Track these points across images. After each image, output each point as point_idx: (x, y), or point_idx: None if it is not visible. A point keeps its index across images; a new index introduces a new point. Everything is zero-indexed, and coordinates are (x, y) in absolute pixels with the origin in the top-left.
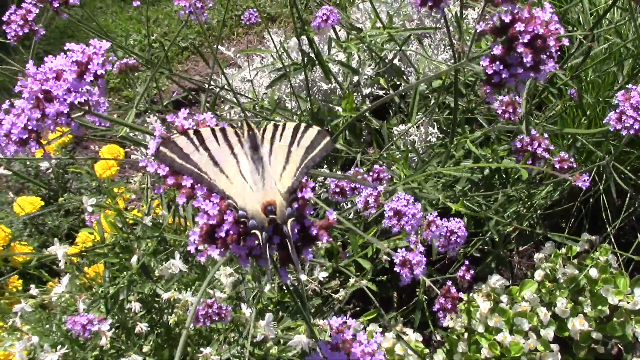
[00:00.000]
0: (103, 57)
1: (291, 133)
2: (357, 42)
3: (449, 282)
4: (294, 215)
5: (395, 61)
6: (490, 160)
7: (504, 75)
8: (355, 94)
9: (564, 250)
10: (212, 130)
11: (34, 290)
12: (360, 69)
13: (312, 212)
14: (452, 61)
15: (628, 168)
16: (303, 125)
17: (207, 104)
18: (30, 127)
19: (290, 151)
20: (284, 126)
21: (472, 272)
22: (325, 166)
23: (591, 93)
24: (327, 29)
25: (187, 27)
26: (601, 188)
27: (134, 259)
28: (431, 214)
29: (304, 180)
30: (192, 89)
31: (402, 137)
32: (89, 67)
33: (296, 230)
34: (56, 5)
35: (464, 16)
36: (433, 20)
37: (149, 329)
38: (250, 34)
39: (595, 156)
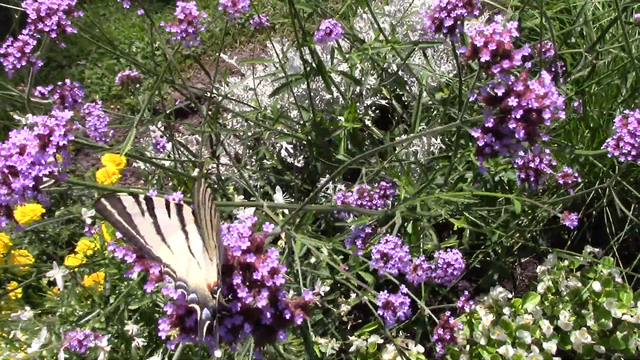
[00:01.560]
0: (65, 127)
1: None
2: (360, 55)
3: (448, 313)
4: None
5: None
6: (492, 172)
7: (496, 147)
8: (358, 104)
9: (566, 262)
10: (167, 202)
11: (28, 311)
12: (362, 80)
13: (284, 295)
14: (455, 72)
15: (631, 180)
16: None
17: (209, 113)
18: None
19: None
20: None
21: (471, 302)
22: (327, 175)
23: (594, 106)
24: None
25: None
26: (604, 201)
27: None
28: (418, 257)
29: (275, 266)
30: (195, 96)
31: (404, 147)
32: (51, 139)
33: (269, 314)
34: (54, 35)
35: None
36: None
37: (145, 343)
38: (252, 42)
39: (598, 169)
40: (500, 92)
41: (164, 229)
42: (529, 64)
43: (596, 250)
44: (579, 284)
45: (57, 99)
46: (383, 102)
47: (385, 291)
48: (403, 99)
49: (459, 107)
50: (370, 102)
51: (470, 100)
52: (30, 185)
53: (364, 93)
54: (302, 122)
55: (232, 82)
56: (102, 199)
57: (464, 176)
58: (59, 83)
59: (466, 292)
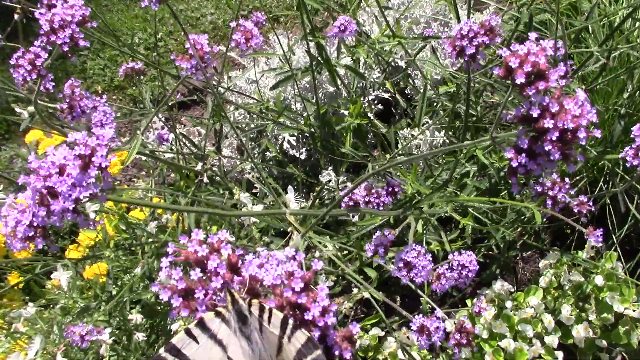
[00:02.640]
0: (107, 147)
1: (279, 324)
2: (366, 49)
3: (464, 317)
4: None
5: (402, 64)
6: (496, 166)
7: (530, 167)
8: (362, 98)
9: (569, 257)
10: (188, 331)
11: (30, 307)
12: (366, 74)
13: (335, 334)
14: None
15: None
16: (291, 322)
17: (213, 106)
18: (35, 224)
19: (281, 343)
20: (270, 311)
21: (488, 306)
22: (330, 168)
23: (600, 101)
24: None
25: (193, 26)
26: (607, 196)
27: (138, 269)
28: (442, 266)
29: (326, 305)
30: (196, 88)
31: (408, 141)
32: (93, 159)
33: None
34: (66, 49)
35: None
36: (440, 23)
37: (146, 338)
38: None
39: (602, 164)
40: (535, 113)
41: None
42: (563, 82)
43: (599, 244)
44: (582, 279)
45: (65, 108)
46: (386, 95)
47: (421, 315)
48: (406, 92)
49: (466, 104)
50: (374, 95)
51: (503, 120)
52: (70, 208)
53: (367, 87)
54: (305, 114)
55: (235, 75)
56: None
57: (468, 173)
58: (68, 82)
59: (482, 297)
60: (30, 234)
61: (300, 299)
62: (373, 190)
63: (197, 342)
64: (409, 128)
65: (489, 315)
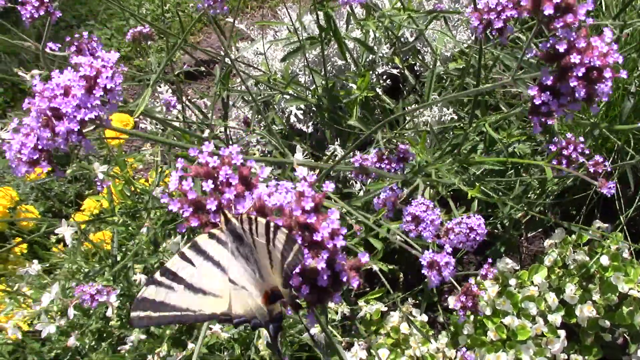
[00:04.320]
0: (112, 69)
1: (264, 231)
2: (376, 22)
3: (471, 280)
4: (298, 307)
5: (411, 39)
6: (505, 142)
7: (552, 107)
8: (370, 72)
9: (574, 237)
10: (182, 254)
11: (36, 265)
12: (376, 48)
13: (343, 258)
14: (472, 42)
15: None
16: (272, 224)
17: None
18: (40, 147)
19: (269, 251)
20: (256, 220)
21: (494, 269)
22: (337, 142)
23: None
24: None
25: None
26: (615, 177)
27: (144, 229)
28: (451, 221)
29: (336, 227)
30: (203, 60)
31: (415, 117)
32: (98, 81)
33: (325, 277)
34: None
35: None
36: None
37: None
38: (264, 8)
39: (612, 143)
40: (562, 48)
41: (198, 283)
42: (590, 20)
43: (605, 225)
44: (587, 258)
45: (73, 51)
46: (395, 71)
47: (430, 251)
48: (415, 68)
49: (477, 76)
50: (382, 70)
51: (528, 56)
52: (75, 130)
53: (376, 61)
54: (313, 87)
55: (242, 47)
56: (132, 314)
57: (476, 147)
58: (76, 35)
59: (489, 260)
60: (34, 157)
61: (310, 218)
62: (384, 157)
63: (194, 265)
64: (416, 105)
65: (493, 293)
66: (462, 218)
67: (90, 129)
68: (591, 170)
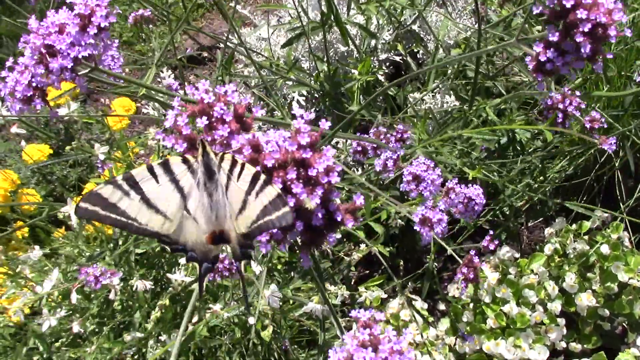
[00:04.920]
0: (106, 9)
1: (250, 179)
2: (377, 5)
3: (472, 252)
4: (247, 258)
5: (414, 27)
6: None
7: (557, 64)
8: (372, 58)
9: (574, 226)
10: (150, 168)
11: (37, 250)
12: (378, 34)
13: (337, 196)
14: (476, 27)
15: None
16: (263, 177)
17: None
18: (34, 84)
19: (247, 199)
20: (242, 165)
21: (496, 241)
22: (340, 131)
23: (612, 67)
24: None
25: None
26: (617, 165)
27: None
28: (451, 180)
29: (331, 164)
30: (206, 47)
31: (417, 104)
32: (92, 19)
33: (320, 215)
34: None
35: None
36: None
37: (153, 287)
38: None
39: (615, 129)
40: (568, 4)
41: (154, 199)
42: None
43: (605, 215)
44: (587, 247)
45: None
46: (397, 58)
47: (424, 207)
48: (418, 56)
49: (476, 62)
50: (385, 57)
51: (534, 13)
52: (69, 66)
53: (379, 47)
54: (315, 73)
55: (245, 32)
56: (81, 203)
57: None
58: None
59: (491, 232)
60: (29, 94)
61: (306, 153)
62: (382, 136)
63: (157, 182)
64: (418, 92)
65: (493, 280)
66: (460, 187)
67: (85, 71)
68: (587, 126)
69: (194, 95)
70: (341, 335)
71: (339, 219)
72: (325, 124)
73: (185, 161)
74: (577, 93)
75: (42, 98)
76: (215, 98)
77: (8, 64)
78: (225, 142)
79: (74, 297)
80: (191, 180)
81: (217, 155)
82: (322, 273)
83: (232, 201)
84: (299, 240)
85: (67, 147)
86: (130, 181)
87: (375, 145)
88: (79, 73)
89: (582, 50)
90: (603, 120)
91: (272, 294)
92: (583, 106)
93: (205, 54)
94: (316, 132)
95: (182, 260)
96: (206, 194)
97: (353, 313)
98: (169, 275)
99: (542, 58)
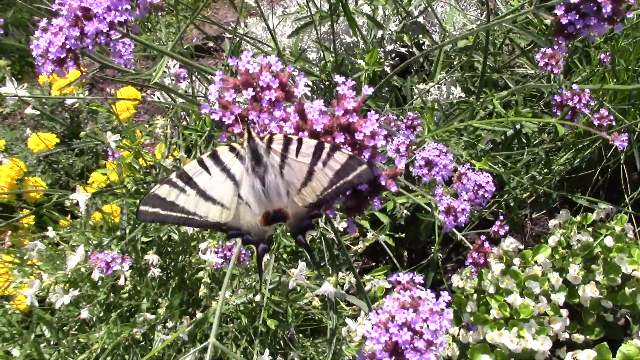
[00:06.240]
0: None
1: (312, 152)
2: None
3: (483, 237)
4: (311, 228)
5: (420, 19)
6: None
7: (578, 26)
8: (379, 49)
9: (579, 218)
10: (200, 161)
11: (51, 232)
12: (384, 24)
13: (383, 160)
14: (483, 17)
15: None
16: (327, 145)
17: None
18: (68, 46)
19: (313, 170)
20: (299, 141)
21: (507, 226)
22: None
23: (620, 60)
24: None
25: None
26: (622, 158)
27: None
28: (463, 165)
29: (376, 128)
30: (211, 35)
31: (423, 95)
32: None
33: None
34: None
35: None
36: None
37: (161, 274)
38: None
39: (620, 124)
40: None
41: (210, 190)
42: None
43: (610, 207)
44: (591, 239)
45: None
46: (403, 49)
47: (448, 197)
48: (424, 47)
49: (484, 54)
50: (391, 48)
51: None
52: (104, 30)
53: (385, 38)
54: (322, 63)
55: (251, 22)
56: (141, 207)
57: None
58: None
59: (501, 217)
60: (61, 56)
61: (352, 118)
62: (392, 124)
63: (210, 174)
64: (424, 83)
65: (497, 271)
66: (469, 173)
67: (118, 37)
68: (596, 123)
69: (238, 66)
70: (368, 311)
71: (383, 183)
72: (368, 90)
73: (232, 149)
74: (587, 90)
75: (75, 61)
76: (258, 67)
77: (41, 24)
78: (272, 110)
79: (96, 275)
80: (240, 166)
81: (262, 139)
82: (335, 257)
83: (291, 177)
84: (344, 207)
85: (82, 133)
86: (184, 177)
87: (386, 133)
88: (112, 38)
89: (603, 10)
90: (611, 117)
91: (299, 271)
92: (592, 103)
93: (210, 44)
94: (359, 98)
95: (202, 245)
96: (256, 177)
97: (392, 277)
98: (201, 255)
99: (564, 21)
